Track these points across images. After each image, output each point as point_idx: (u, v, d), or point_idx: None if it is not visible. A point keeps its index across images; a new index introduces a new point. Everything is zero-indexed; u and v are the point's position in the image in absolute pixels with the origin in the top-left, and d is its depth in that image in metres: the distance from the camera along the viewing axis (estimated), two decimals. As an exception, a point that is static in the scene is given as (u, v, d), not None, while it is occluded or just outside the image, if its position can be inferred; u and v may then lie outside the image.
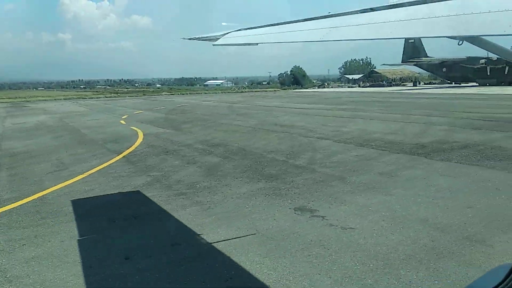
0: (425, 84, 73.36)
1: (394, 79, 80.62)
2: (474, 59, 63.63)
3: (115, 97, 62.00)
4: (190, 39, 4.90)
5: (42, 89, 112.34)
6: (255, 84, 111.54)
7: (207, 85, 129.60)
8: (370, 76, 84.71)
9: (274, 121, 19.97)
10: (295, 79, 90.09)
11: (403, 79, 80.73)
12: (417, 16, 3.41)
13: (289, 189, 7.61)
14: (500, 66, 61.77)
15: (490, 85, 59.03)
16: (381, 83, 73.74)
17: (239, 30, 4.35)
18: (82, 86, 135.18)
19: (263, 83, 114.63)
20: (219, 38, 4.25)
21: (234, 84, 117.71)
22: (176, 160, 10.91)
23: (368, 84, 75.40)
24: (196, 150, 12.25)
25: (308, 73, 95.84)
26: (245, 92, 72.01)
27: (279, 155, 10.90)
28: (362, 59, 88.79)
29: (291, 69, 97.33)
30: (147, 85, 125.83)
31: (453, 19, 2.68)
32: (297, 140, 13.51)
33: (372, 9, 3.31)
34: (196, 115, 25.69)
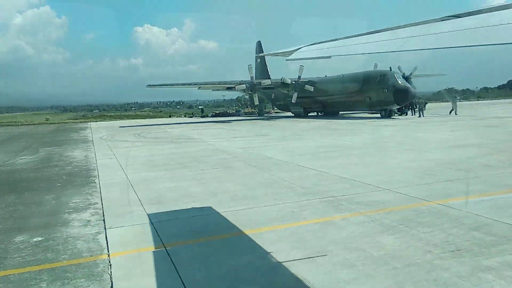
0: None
1: None
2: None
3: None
4: (265, 55, 5.05)
5: (96, 111, 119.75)
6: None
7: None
8: None
9: None
10: None
11: None
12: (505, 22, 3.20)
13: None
14: (286, 90, 39.32)
15: (300, 116, 41.54)
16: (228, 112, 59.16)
17: (313, 44, 4.42)
18: (133, 108, 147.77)
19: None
20: (292, 53, 4.34)
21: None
22: None
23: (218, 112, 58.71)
24: None
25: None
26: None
27: None
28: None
29: None
30: (188, 107, 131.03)
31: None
32: None
33: (457, 16, 3.18)
34: None
